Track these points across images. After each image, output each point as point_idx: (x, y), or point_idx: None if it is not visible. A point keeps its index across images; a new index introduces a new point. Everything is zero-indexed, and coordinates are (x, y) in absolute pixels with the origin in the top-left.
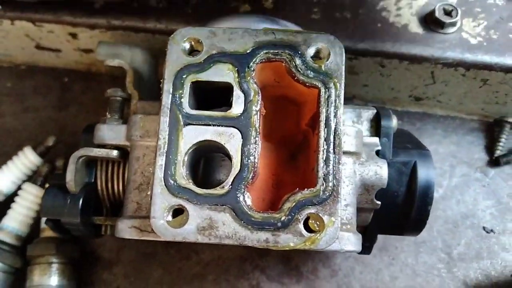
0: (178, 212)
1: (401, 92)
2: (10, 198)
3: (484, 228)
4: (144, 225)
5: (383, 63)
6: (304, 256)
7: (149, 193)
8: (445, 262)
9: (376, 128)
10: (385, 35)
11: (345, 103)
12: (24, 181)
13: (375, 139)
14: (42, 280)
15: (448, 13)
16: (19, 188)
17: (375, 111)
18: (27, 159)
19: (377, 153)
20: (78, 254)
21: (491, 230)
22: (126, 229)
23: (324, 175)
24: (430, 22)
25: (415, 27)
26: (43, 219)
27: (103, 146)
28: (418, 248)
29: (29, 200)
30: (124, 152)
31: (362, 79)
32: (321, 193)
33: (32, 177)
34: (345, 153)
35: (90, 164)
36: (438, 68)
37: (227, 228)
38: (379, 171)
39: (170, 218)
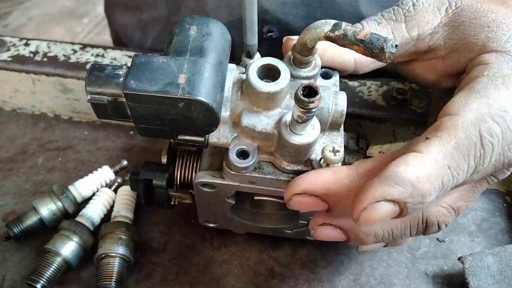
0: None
1: (373, 148)
2: (86, 201)
3: (437, 239)
4: (214, 174)
5: (360, 123)
6: (306, 250)
7: None
8: (410, 259)
9: None
10: (361, 105)
11: None
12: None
13: None
14: (111, 247)
15: (401, 93)
16: (93, 194)
17: None
18: (105, 174)
19: None
20: (138, 237)
21: (443, 240)
22: (204, 175)
23: None
24: (389, 98)
25: (380, 101)
26: (114, 212)
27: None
28: (390, 250)
29: (104, 199)
30: None
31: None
32: None
33: (107, 185)
34: None
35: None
36: (396, 127)
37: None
38: None
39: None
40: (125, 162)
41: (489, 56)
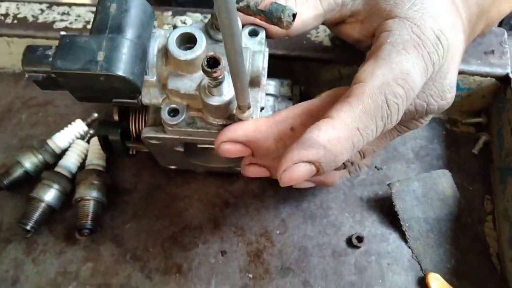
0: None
1: (323, 86)
2: (64, 152)
3: (376, 167)
4: (157, 130)
5: (307, 65)
6: (257, 183)
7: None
8: (348, 186)
9: None
10: (307, 48)
11: None
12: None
13: None
14: (85, 192)
15: None
16: (69, 145)
17: None
18: (78, 126)
19: None
20: (109, 181)
21: (380, 168)
22: (148, 131)
23: None
24: (335, 39)
25: (327, 42)
26: (87, 161)
27: None
28: None
29: (78, 150)
30: None
31: (296, 76)
32: None
33: (81, 137)
34: None
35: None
36: (342, 66)
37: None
38: None
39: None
40: (95, 115)
41: (392, 22)
